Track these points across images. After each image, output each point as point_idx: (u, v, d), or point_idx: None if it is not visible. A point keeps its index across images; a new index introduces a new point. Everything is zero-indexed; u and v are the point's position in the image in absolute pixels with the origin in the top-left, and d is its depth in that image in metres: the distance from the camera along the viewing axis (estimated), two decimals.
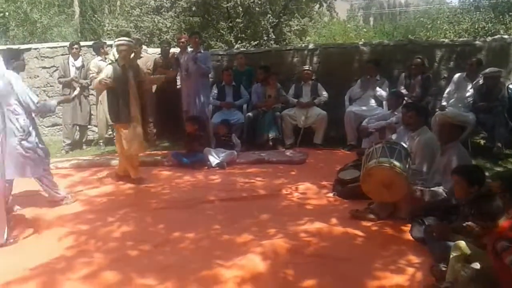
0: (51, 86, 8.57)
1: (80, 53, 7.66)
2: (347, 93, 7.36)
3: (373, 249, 3.55)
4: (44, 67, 8.57)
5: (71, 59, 7.51)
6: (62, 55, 8.36)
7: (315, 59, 8.27)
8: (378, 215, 4.08)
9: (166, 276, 3.16)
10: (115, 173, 5.74)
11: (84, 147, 7.79)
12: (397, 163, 3.83)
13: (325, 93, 7.40)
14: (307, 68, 7.62)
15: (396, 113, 5.88)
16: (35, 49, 8.66)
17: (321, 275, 3.13)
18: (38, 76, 8.60)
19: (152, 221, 4.26)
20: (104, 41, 8.21)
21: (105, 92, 5.77)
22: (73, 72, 7.42)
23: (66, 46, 8.26)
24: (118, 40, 5.42)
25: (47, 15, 14.78)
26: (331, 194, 4.88)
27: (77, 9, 18.36)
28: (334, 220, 4.09)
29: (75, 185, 5.49)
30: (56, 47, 8.66)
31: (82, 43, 8.30)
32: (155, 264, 3.36)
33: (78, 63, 7.54)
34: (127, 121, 5.30)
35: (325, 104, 7.37)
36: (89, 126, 8.11)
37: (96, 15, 17.18)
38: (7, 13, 8.87)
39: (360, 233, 3.80)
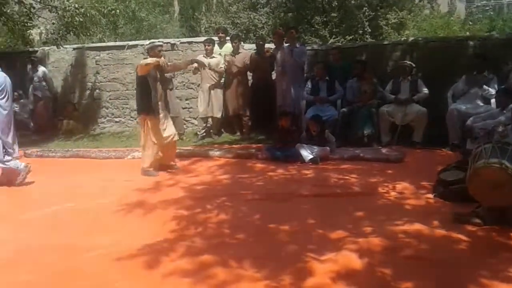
0: None
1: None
2: (450, 90, 6.92)
3: (478, 255, 3.32)
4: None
5: None
6: (165, 51, 8.87)
7: (415, 53, 7.91)
8: (484, 219, 3.79)
9: (262, 265, 3.22)
10: (143, 171, 5.82)
11: (184, 137, 8.24)
12: (509, 165, 3.55)
13: (425, 90, 7.04)
14: (406, 62, 7.28)
15: (505, 111, 5.44)
16: (141, 45, 9.27)
17: (421, 278, 2.99)
18: None
19: (247, 211, 4.37)
20: (211, 37, 8.59)
21: None
22: None
23: (169, 42, 8.91)
24: (156, 42, 6.11)
25: (152, 14, 15.77)
26: (431, 195, 4.65)
27: (176, 8, 19.31)
28: (435, 223, 3.88)
29: (177, 173, 5.90)
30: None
31: (183, 40, 9.02)
32: (251, 253, 3.43)
33: None
34: (158, 114, 5.71)
35: (425, 101, 7.01)
36: (187, 118, 8.78)
37: (196, 13, 17.95)
38: (117, 11, 9.70)
39: (464, 238, 3.57)
